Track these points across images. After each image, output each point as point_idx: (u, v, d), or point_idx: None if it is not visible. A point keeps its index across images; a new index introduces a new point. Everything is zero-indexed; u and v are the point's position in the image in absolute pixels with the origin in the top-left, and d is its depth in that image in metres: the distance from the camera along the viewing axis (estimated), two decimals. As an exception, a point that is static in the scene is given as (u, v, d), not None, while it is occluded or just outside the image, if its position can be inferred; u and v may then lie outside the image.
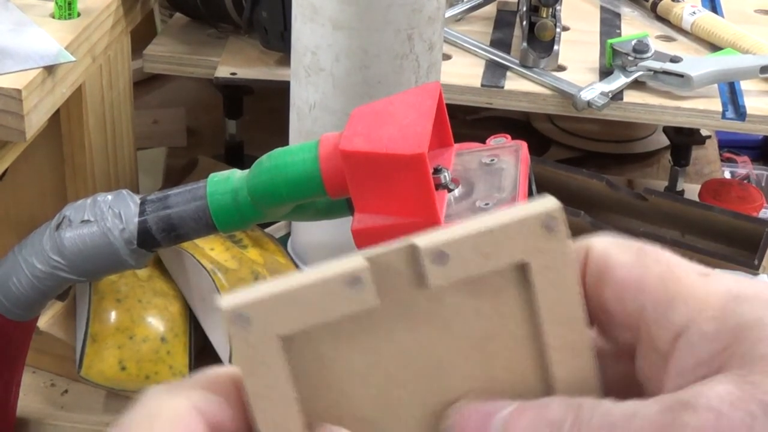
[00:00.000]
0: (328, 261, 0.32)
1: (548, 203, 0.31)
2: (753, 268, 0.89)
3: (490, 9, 1.13)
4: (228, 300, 0.31)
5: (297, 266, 0.88)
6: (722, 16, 1.13)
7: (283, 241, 0.91)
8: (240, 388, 0.32)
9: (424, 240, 0.31)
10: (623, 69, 0.97)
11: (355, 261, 0.31)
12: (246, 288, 0.31)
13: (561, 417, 0.30)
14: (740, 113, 0.94)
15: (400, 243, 0.32)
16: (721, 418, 0.28)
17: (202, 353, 0.85)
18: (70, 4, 0.82)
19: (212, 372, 0.33)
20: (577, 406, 0.30)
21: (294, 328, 0.31)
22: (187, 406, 0.32)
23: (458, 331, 0.33)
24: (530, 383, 0.33)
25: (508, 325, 0.33)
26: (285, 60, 0.93)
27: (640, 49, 0.97)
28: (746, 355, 0.29)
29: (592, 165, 1.20)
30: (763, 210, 1.09)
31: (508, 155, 0.65)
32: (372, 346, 0.32)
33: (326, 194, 0.63)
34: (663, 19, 1.12)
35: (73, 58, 0.77)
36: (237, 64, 0.98)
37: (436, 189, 0.61)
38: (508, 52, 1.02)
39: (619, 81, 0.95)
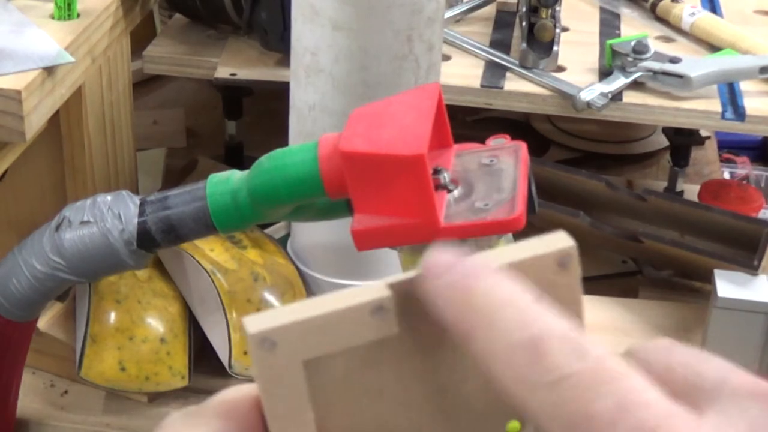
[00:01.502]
0: (351, 288, 0.32)
1: (564, 241, 0.33)
2: (752, 269, 0.89)
3: (490, 10, 1.13)
4: (254, 323, 0.31)
5: (296, 267, 0.88)
6: (722, 16, 1.13)
7: (282, 241, 0.91)
8: (258, 410, 0.32)
9: None
10: (623, 70, 0.97)
11: (379, 289, 0.32)
12: (270, 311, 0.32)
13: None
14: (739, 114, 0.94)
15: (418, 272, 0.32)
16: None
17: (202, 354, 0.85)
18: (69, 5, 0.82)
19: (231, 395, 0.33)
20: None
21: (317, 353, 0.31)
22: None
23: (466, 354, 0.33)
24: None
25: None
26: (284, 61, 0.93)
27: (640, 49, 0.97)
28: None
29: (592, 166, 1.20)
30: (763, 210, 1.09)
31: (508, 156, 0.65)
32: (385, 369, 0.33)
33: (326, 195, 0.63)
34: (662, 20, 1.12)
35: (73, 59, 0.77)
36: (236, 64, 0.98)
37: (436, 190, 0.61)
38: (508, 53, 1.02)
39: (618, 82, 0.95)
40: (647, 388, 0.27)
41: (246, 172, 0.66)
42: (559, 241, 0.33)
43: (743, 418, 0.27)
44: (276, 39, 0.94)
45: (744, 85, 0.98)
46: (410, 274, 0.32)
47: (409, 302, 0.32)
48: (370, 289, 0.32)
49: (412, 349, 0.33)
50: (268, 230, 0.93)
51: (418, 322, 0.33)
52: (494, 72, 0.99)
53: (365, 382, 0.33)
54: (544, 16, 1.00)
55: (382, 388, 0.33)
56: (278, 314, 0.31)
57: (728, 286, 0.87)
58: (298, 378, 0.31)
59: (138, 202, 0.68)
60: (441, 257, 0.31)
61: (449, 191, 0.63)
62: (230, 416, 0.32)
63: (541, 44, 0.99)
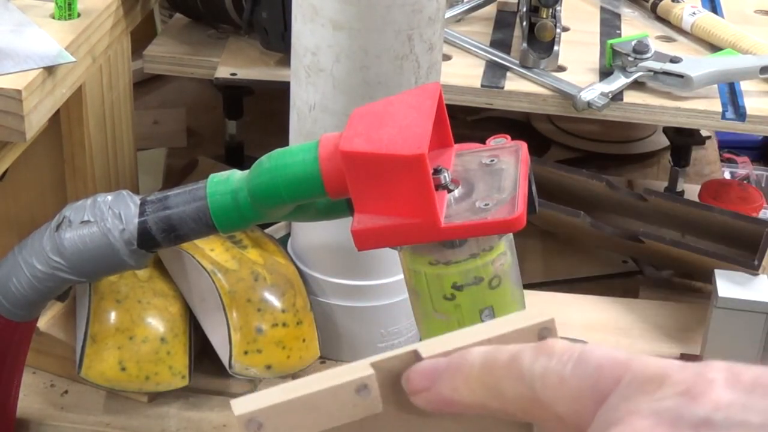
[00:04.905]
0: (336, 368, 0.33)
1: (543, 315, 0.34)
2: (753, 269, 0.89)
3: (490, 9, 1.13)
4: (241, 405, 0.32)
5: (296, 267, 0.88)
6: (722, 16, 1.13)
7: (283, 241, 0.91)
8: None
9: (426, 348, 0.33)
10: (623, 69, 0.97)
11: (363, 367, 0.33)
12: (258, 392, 0.32)
13: None
14: (740, 114, 0.94)
15: (403, 350, 0.33)
16: None
17: (202, 354, 0.85)
18: (70, 4, 0.82)
19: None
20: None
21: None
22: None
23: (449, 428, 0.35)
24: None
25: (498, 422, 0.35)
26: (285, 60, 0.93)
27: (640, 49, 0.97)
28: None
29: (592, 165, 1.20)
30: (763, 210, 1.09)
31: (508, 156, 0.65)
32: None
33: (326, 195, 0.63)
34: (663, 20, 1.12)
35: (73, 59, 0.77)
36: (237, 64, 0.98)
37: (436, 189, 0.61)
38: (508, 53, 1.02)
39: (619, 81, 0.95)
40: None
41: (246, 171, 0.66)
42: (540, 315, 0.34)
43: None
44: (276, 39, 0.94)
45: (744, 85, 0.98)
46: (395, 352, 0.33)
47: (394, 380, 0.33)
48: (354, 368, 0.33)
49: (396, 423, 0.34)
50: (268, 230, 0.93)
51: (402, 398, 0.33)
52: (495, 72, 0.99)
53: None
54: (544, 15, 1.00)
55: None
56: (265, 395, 0.32)
57: (729, 286, 0.87)
58: None
59: (138, 202, 0.68)
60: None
61: (450, 191, 0.63)
62: None
63: (541, 44, 0.99)
